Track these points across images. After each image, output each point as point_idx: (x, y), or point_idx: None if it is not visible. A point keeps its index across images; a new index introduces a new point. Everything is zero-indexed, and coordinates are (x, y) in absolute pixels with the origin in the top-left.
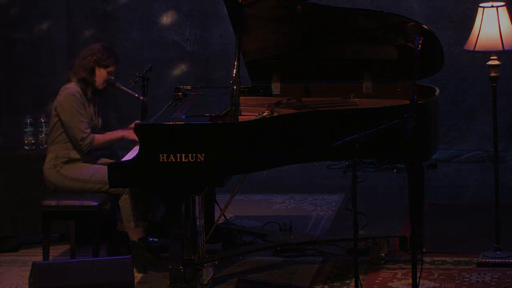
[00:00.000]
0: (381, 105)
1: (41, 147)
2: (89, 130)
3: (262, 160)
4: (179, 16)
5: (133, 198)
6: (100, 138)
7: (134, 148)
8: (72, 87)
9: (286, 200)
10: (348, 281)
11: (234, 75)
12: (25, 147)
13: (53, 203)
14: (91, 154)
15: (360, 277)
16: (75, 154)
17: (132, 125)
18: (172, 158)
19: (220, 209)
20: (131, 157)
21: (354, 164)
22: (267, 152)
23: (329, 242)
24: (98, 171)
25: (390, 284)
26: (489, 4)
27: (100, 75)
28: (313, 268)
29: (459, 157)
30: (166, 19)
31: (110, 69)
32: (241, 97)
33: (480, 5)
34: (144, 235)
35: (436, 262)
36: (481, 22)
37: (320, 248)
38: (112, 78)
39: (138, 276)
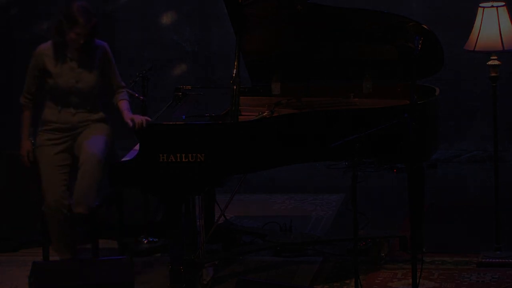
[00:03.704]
0: (381, 105)
1: None
2: (27, 95)
3: (262, 160)
4: (179, 16)
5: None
6: (25, 119)
7: (134, 148)
8: (40, 46)
9: (286, 200)
10: (348, 281)
11: (234, 75)
12: None
13: None
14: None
15: (360, 277)
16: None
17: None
18: (172, 158)
19: (220, 209)
20: (131, 157)
21: (354, 164)
22: (267, 152)
23: (329, 242)
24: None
25: (390, 284)
26: (489, 4)
27: (69, 36)
28: (313, 268)
29: (459, 157)
30: (166, 19)
31: (77, 30)
32: (241, 97)
33: (480, 5)
34: None
35: (436, 262)
36: (481, 22)
37: (320, 248)
38: (81, 41)
39: (138, 276)
